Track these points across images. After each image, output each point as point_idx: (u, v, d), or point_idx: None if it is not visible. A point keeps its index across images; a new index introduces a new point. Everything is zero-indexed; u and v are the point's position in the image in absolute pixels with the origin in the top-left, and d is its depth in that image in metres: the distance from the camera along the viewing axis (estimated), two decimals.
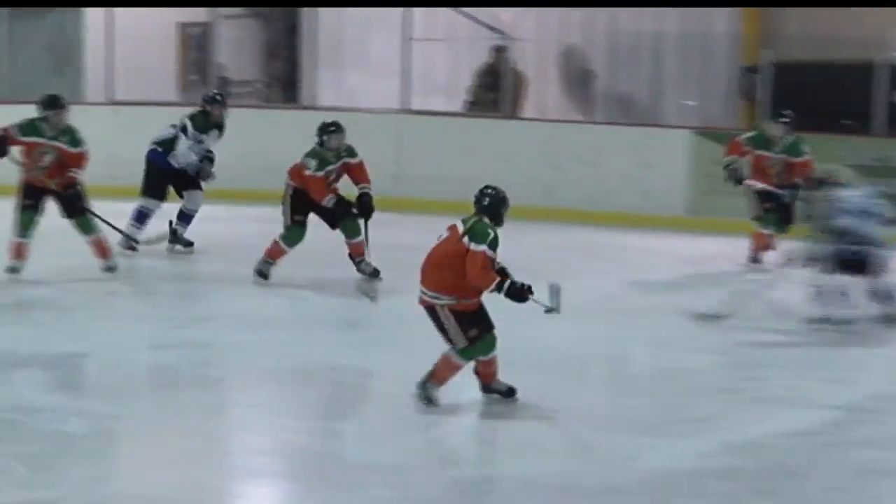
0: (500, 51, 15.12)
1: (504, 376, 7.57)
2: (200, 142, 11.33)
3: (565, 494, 6.37)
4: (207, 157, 11.41)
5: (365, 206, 10.24)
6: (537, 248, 11.61)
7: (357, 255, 10.39)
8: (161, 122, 11.51)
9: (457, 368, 7.38)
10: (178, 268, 11.27)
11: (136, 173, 11.46)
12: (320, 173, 10.16)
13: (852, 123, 13.58)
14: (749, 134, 11.12)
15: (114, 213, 10.71)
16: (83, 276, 10.25)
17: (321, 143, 10.24)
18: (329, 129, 10.28)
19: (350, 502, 6.23)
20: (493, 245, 7.17)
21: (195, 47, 16.35)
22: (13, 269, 10.16)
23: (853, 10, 14.77)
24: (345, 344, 9.07)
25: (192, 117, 11.41)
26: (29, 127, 10.11)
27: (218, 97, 11.60)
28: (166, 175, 11.42)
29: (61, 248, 10.40)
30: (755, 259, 11.23)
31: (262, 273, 10.38)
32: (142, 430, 7.21)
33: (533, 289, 7.21)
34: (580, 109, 16.09)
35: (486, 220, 7.25)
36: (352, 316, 9.85)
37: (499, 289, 7.17)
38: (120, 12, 14.94)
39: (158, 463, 6.72)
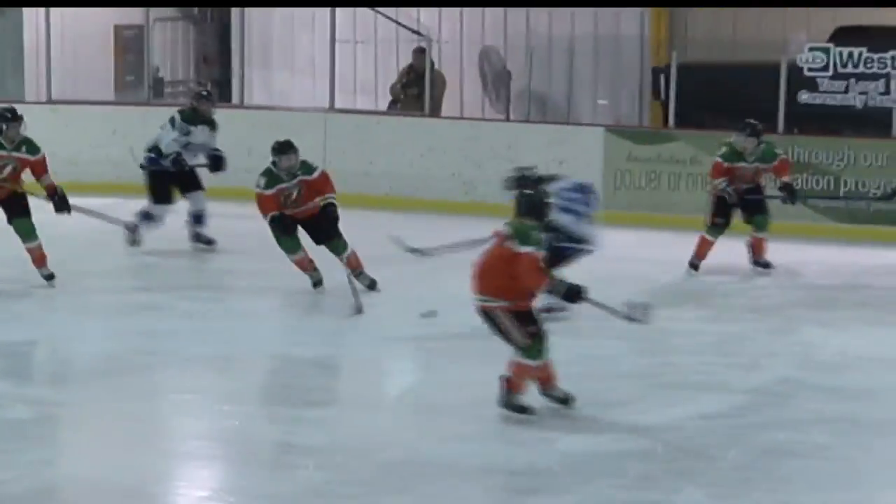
0: (420, 52, 15.25)
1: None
2: (188, 133, 11.48)
3: (490, 476, 6.59)
4: (216, 155, 11.60)
5: (328, 216, 10.07)
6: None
7: (352, 269, 10.09)
8: (98, 121, 11.68)
9: (528, 370, 7.22)
10: (127, 261, 11.37)
11: (74, 171, 11.55)
12: (270, 191, 9.98)
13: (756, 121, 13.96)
14: (721, 151, 11.11)
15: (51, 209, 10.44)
16: (29, 268, 10.20)
17: (274, 163, 10.06)
18: (278, 151, 10.04)
19: (282, 484, 6.38)
20: (540, 245, 7.11)
21: (131, 49, 16.49)
22: None
23: (756, 13, 15.21)
24: (291, 335, 9.23)
25: (181, 111, 11.58)
26: None
27: (205, 93, 11.74)
28: (166, 179, 11.53)
29: (6, 242, 10.38)
30: (694, 264, 11.26)
31: (315, 284, 10.29)
32: (86, 416, 7.39)
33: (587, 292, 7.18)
34: (498, 108, 16.29)
35: (529, 221, 7.16)
36: (305, 309, 9.99)
37: (552, 289, 7.15)
38: (58, 15, 15.07)
39: (102, 447, 6.88)
